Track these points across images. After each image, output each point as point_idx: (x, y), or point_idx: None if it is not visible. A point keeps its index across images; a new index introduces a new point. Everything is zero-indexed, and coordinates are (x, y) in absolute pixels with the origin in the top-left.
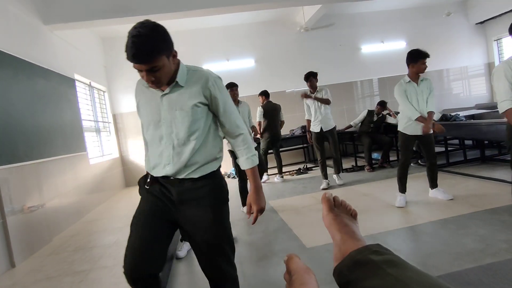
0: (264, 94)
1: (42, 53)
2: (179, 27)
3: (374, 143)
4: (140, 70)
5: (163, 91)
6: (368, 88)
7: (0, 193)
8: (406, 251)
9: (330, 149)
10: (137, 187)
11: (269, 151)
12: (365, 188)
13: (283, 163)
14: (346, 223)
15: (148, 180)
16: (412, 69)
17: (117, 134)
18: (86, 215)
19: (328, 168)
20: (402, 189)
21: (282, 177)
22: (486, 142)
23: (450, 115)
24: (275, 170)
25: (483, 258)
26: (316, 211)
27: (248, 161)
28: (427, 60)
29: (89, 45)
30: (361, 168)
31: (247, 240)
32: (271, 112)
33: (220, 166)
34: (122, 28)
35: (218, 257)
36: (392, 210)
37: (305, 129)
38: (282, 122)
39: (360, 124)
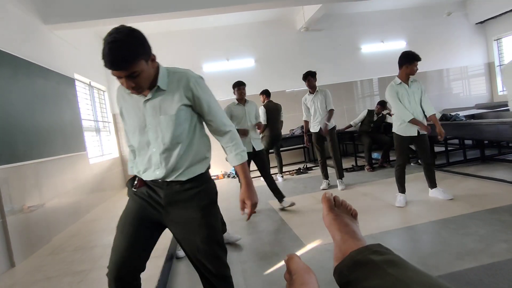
0: (266, 93)
1: (42, 53)
2: (179, 27)
3: (374, 143)
4: (119, 77)
5: (145, 96)
6: (368, 88)
7: (0, 192)
8: (407, 251)
9: (328, 149)
10: None
11: (270, 151)
12: (365, 188)
13: (283, 163)
14: (347, 223)
15: (135, 182)
16: (405, 70)
17: (117, 133)
18: (86, 215)
19: (328, 168)
20: (402, 189)
21: (283, 176)
22: (486, 142)
23: (450, 115)
24: (276, 170)
25: (483, 258)
26: (316, 211)
27: (237, 157)
28: (427, 60)
29: (89, 45)
30: (361, 168)
31: (247, 240)
32: (273, 111)
33: (209, 167)
34: None
35: (208, 257)
36: (392, 210)
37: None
38: (282, 122)
39: (360, 124)
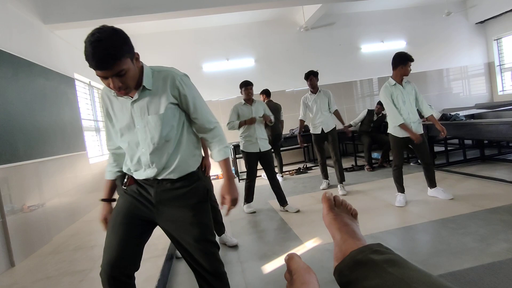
0: (266, 93)
1: (42, 52)
2: (178, 27)
3: (374, 143)
4: (105, 78)
5: (132, 97)
6: (368, 88)
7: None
8: (407, 250)
9: (329, 150)
10: None
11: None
12: (365, 187)
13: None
14: (347, 223)
15: (126, 180)
16: (400, 71)
17: None
18: (86, 214)
19: (328, 168)
20: (401, 189)
21: (282, 176)
22: (486, 141)
23: (450, 114)
24: (276, 170)
25: (484, 258)
26: (316, 211)
27: (220, 153)
28: (427, 60)
29: None
30: (361, 168)
31: (247, 240)
32: (273, 111)
33: (201, 165)
34: (122, 27)
35: (202, 255)
36: (392, 210)
37: (305, 128)
38: (282, 122)
39: (360, 123)
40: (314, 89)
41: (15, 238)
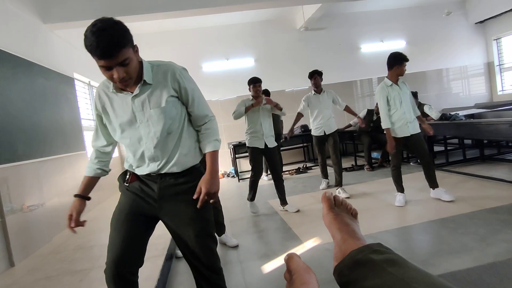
0: (265, 92)
1: (41, 52)
2: (178, 26)
3: (374, 142)
4: (109, 68)
5: (132, 93)
6: (368, 87)
7: None
8: (407, 250)
9: (329, 151)
10: None
11: None
12: (365, 187)
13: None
14: (347, 222)
15: (128, 177)
16: (396, 71)
17: None
18: (86, 214)
19: (328, 168)
20: (400, 189)
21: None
22: (485, 141)
23: (449, 114)
24: None
25: (484, 258)
26: (316, 210)
27: (210, 145)
28: (426, 59)
29: None
30: (361, 168)
31: (247, 240)
32: None
33: (202, 160)
34: None
35: (201, 249)
36: (392, 210)
37: (304, 128)
38: (282, 122)
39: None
40: (318, 88)
41: (15, 238)
